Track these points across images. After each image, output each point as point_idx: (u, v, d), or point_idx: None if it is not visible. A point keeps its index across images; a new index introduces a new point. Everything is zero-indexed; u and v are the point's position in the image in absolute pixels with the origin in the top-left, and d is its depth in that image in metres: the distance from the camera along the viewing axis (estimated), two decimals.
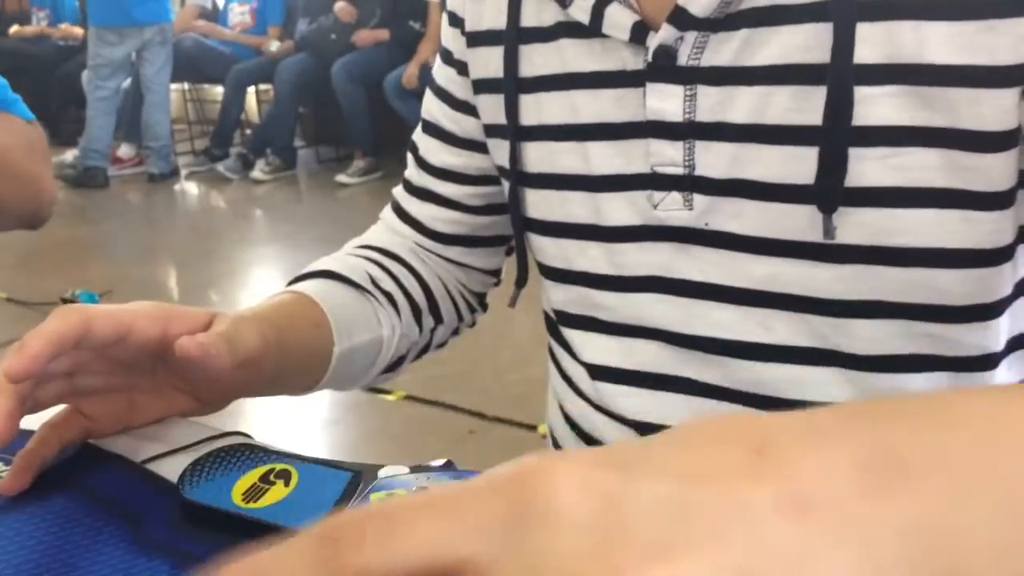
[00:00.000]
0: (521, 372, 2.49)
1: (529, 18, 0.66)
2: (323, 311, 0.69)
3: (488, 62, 0.69)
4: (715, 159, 0.58)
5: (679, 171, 0.59)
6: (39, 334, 0.53)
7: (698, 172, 0.59)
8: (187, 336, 0.55)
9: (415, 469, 0.52)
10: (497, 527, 0.21)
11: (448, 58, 0.75)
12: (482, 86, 0.70)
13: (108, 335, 0.56)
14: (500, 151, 0.70)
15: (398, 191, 0.82)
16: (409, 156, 0.80)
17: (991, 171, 0.52)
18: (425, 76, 4.60)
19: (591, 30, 0.61)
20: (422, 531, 0.22)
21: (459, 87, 0.74)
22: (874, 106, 0.52)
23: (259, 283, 3.71)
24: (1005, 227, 0.54)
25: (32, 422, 0.55)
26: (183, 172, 5.42)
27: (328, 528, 0.23)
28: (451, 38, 0.74)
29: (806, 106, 0.54)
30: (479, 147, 0.74)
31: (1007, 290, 0.57)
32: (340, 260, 0.76)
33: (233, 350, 0.57)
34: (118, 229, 4.56)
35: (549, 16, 0.64)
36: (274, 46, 5.37)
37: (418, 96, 4.75)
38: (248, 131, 5.76)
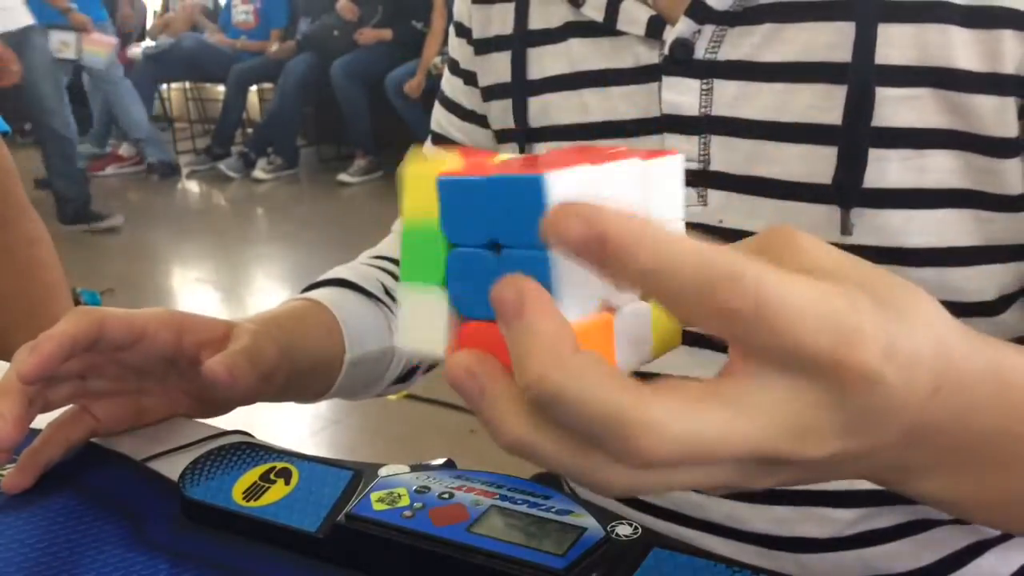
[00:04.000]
0: None
1: (537, 21, 0.66)
2: (336, 319, 0.69)
3: (497, 68, 0.69)
4: (731, 155, 0.58)
5: (693, 166, 0.59)
6: (52, 336, 0.53)
7: (713, 167, 0.58)
8: (215, 359, 0.55)
9: (415, 468, 0.52)
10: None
11: (455, 68, 0.75)
12: (492, 92, 0.70)
13: (121, 339, 0.56)
14: None
15: None
16: None
17: (1007, 175, 0.52)
18: (430, 82, 4.59)
19: (604, 28, 0.61)
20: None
21: (467, 97, 0.74)
22: (898, 108, 0.52)
23: (260, 281, 3.70)
24: (1017, 227, 0.54)
25: (38, 421, 0.55)
26: (184, 171, 5.42)
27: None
28: (458, 48, 0.74)
29: (829, 105, 0.54)
30: None
31: (1016, 286, 0.57)
32: (353, 269, 0.76)
33: (255, 368, 0.57)
34: (119, 227, 4.56)
35: (558, 17, 0.64)
36: (275, 46, 5.37)
37: (419, 97, 4.71)
38: (249, 130, 5.76)
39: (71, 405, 0.58)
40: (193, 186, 5.31)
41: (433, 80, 4.51)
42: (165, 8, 6.12)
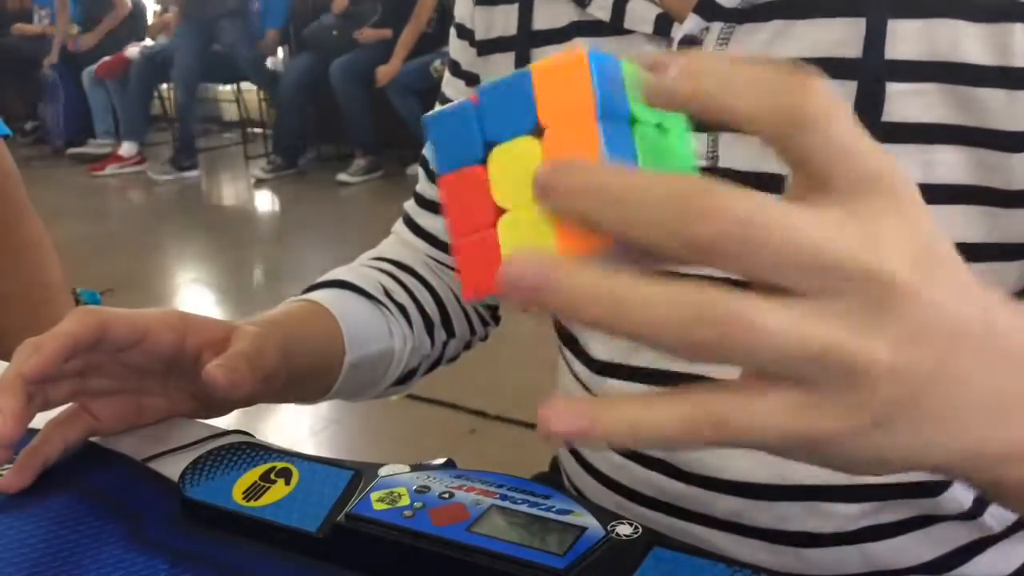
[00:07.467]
0: (522, 371, 2.49)
1: (541, 21, 0.66)
2: (336, 320, 0.69)
3: (500, 69, 0.69)
4: (740, 152, 0.58)
5: (702, 163, 0.59)
6: (55, 335, 0.53)
7: (722, 164, 0.58)
8: (215, 363, 0.55)
9: (415, 468, 0.52)
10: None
11: (456, 70, 0.75)
12: None
13: (123, 339, 0.56)
14: None
15: (409, 205, 0.82)
16: (420, 170, 0.80)
17: (1015, 170, 0.52)
18: (431, 82, 4.59)
19: (610, 27, 0.61)
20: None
21: None
22: (907, 103, 0.53)
23: (260, 282, 3.71)
24: None
25: (37, 420, 0.55)
26: (183, 170, 5.43)
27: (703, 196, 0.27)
28: (459, 50, 0.74)
29: None
30: None
31: (1021, 285, 0.57)
32: (354, 271, 0.76)
33: (256, 371, 0.57)
34: (119, 227, 4.56)
35: (563, 17, 0.64)
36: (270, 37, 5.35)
37: (418, 94, 4.72)
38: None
39: (70, 404, 0.58)
40: (193, 186, 5.31)
41: (435, 81, 4.51)
42: (165, 8, 6.11)
